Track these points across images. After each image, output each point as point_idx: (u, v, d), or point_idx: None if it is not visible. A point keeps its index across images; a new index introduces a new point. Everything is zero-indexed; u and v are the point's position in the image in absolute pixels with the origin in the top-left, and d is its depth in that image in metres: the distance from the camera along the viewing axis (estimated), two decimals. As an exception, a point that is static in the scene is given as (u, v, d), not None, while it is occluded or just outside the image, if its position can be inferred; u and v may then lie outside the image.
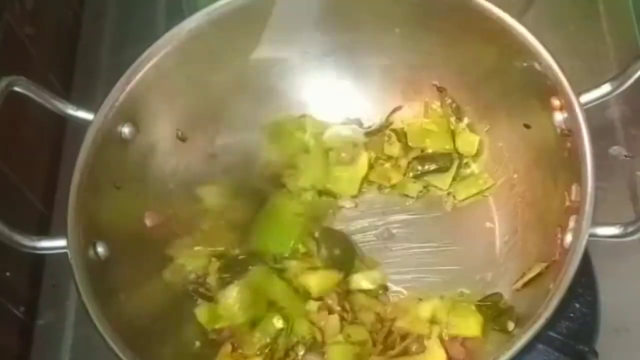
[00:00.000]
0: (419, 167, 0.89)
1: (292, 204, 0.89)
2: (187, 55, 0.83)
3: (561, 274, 0.67)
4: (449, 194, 0.90)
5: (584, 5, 1.07)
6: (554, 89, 0.74)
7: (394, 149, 0.91)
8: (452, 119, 0.91)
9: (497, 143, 0.89)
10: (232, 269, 0.85)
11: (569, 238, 0.70)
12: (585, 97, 0.73)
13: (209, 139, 0.92)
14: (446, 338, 0.79)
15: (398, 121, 0.93)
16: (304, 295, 0.84)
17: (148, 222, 0.85)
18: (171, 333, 0.81)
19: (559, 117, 0.75)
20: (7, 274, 0.90)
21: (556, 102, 0.75)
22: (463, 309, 0.80)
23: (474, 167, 0.90)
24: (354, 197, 0.91)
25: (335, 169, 0.91)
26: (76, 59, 1.12)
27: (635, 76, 0.72)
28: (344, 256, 0.86)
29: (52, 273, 0.95)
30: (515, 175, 0.87)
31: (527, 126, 0.83)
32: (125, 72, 0.80)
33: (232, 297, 0.82)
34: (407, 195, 0.91)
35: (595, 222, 0.68)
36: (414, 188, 0.90)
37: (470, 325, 0.78)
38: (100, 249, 0.76)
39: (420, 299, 0.83)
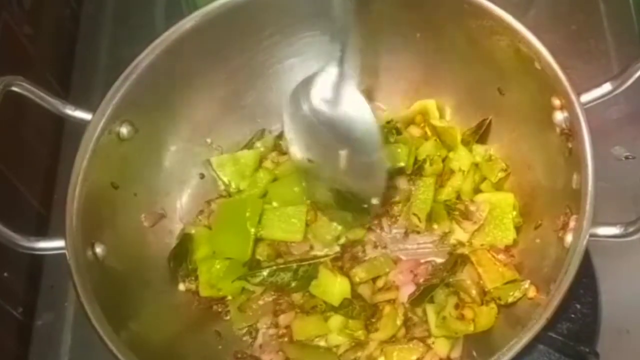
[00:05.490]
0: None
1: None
2: (185, 55, 0.83)
3: (562, 274, 0.67)
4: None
5: (584, 5, 1.07)
6: (554, 89, 0.74)
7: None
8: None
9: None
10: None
11: (569, 238, 0.70)
12: (586, 97, 0.73)
13: (207, 138, 0.92)
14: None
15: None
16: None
17: (146, 222, 0.85)
18: (174, 336, 0.82)
19: (559, 116, 0.75)
20: (5, 274, 0.89)
21: (556, 102, 0.75)
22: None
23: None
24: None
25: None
26: (74, 58, 1.12)
27: (636, 75, 0.72)
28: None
29: (50, 274, 0.94)
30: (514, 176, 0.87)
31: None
32: (123, 72, 0.80)
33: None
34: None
35: (596, 222, 0.68)
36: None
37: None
38: (99, 250, 0.76)
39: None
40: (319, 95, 0.72)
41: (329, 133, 0.73)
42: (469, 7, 0.79)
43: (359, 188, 0.79)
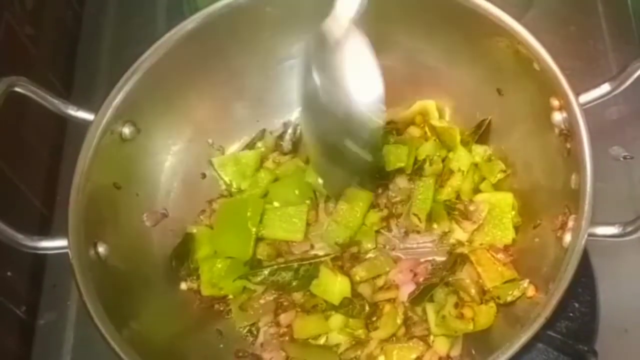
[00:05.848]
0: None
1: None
2: (186, 56, 0.83)
3: (560, 273, 0.67)
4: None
5: (583, 6, 1.07)
6: (553, 89, 0.74)
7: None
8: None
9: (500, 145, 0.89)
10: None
11: (568, 238, 0.71)
12: (585, 97, 0.73)
13: (208, 138, 0.92)
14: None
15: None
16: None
17: (148, 222, 0.86)
18: (176, 335, 0.82)
19: (558, 117, 0.75)
20: (9, 273, 0.90)
21: (555, 102, 0.75)
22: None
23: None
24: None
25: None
26: (76, 59, 1.12)
27: (635, 76, 0.72)
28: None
29: (53, 273, 0.95)
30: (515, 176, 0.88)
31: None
32: (125, 73, 0.80)
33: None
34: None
35: (595, 222, 0.68)
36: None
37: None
38: (101, 249, 0.76)
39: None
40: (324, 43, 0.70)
41: (331, 80, 0.71)
42: (468, 8, 0.79)
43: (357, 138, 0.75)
